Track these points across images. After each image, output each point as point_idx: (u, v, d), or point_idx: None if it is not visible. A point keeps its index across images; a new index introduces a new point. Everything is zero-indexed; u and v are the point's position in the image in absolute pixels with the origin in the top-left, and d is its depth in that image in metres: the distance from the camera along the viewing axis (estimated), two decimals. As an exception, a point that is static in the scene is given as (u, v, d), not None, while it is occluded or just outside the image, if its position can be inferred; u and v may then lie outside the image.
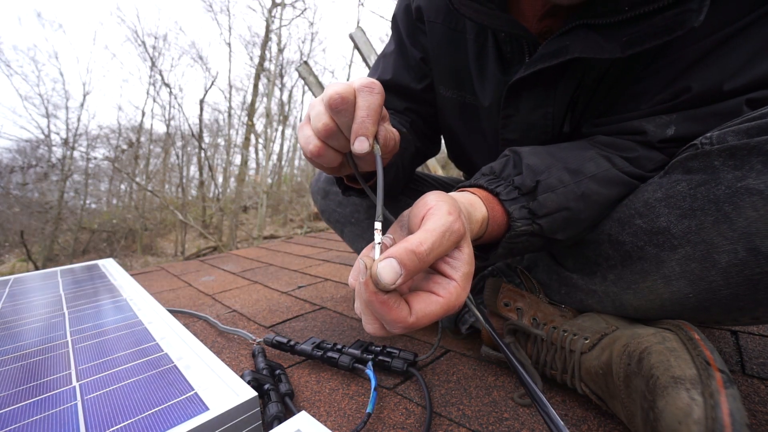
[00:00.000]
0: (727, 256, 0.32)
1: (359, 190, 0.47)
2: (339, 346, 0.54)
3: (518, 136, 0.50)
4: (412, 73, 0.58)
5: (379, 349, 0.54)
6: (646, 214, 0.38)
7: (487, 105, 0.51)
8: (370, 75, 0.63)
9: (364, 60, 1.38)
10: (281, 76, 9.75)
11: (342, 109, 0.30)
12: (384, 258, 0.23)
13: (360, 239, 0.62)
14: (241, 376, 0.46)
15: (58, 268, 1.08)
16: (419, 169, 0.71)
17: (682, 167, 0.36)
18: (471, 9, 0.42)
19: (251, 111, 9.57)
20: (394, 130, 0.35)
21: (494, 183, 0.39)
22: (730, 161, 0.32)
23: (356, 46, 1.37)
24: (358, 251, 0.64)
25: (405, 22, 0.56)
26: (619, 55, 0.36)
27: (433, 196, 0.28)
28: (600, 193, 0.40)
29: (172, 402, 0.37)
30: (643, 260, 0.38)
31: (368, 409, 0.41)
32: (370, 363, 0.49)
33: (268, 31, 8.72)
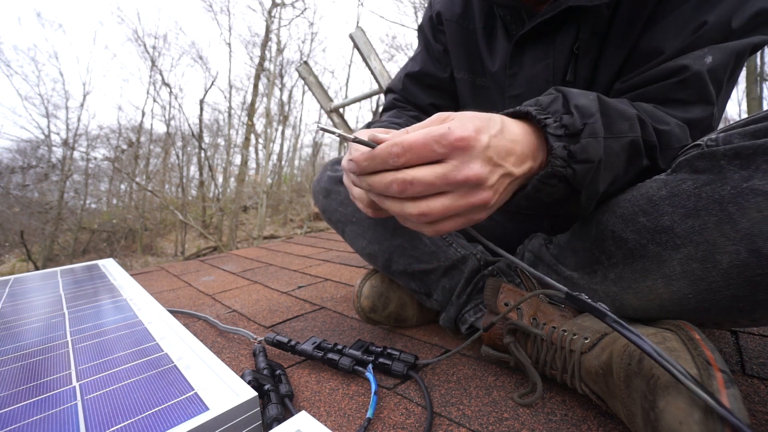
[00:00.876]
0: (729, 257, 0.32)
1: None
2: (339, 347, 0.54)
3: (523, 90, 0.55)
4: (437, 64, 0.68)
5: (379, 350, 0.54)
6: (650, 212, 0.38)
7: (495, 70, 0.58)
8: (398, 74, 0.74)
9: (364, 60, 1.38)
10: (281, 76, 9.76)
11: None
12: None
13: (361, 238, 0.63)
14: (242, 376, 0.46)
15: (58, 268, 1.08)
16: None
17: (688, 166, 0.36)
18: None
19: (251, 111, 9.57)
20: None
21: (542, 114, 0.37)
22: (736, 161, 0.32)
23: (356, 46, 1.37)
24: (358, 250, 0.65)
25: (429, 27, 0.68)
26: (606, 0, 0.44)
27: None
28: (620, 155, 0.39)
29: (172, 402, 0.37)
30: (645, 259, 0.38)
31: (368, 414, 0.41)
32: (370, 366, 0.49)
33: (268, 31, 8.72)
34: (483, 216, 0.35)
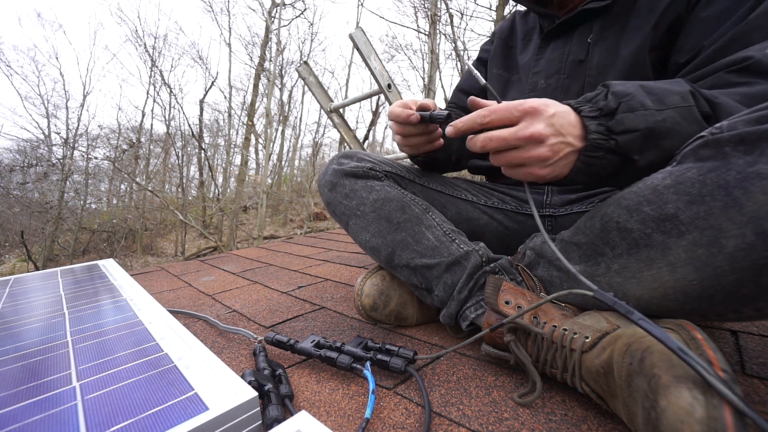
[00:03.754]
0: (735, 240, 0.32)
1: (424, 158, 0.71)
2: (338, 345, 0.54)
3: (542, 68, 0.69)
4: (471, 80, 0.87)
5: (378, 346, 0.54)
6: (654, 201, 0.38)
7: (525, 62, 0.73)
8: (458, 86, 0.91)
9: (364, 60, 1.38)
10: (281, 77, 9.76)
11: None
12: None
13: (365, 231, 0.63)
14: (242, 376, 0.46)
15: (59, 269, 1.08)
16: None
17: (693, 155, 0.36)
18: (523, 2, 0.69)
19: (251, 111, 9.56)
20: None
21: (581, 104, 0.45)
22: (740, 146, 0.32)
23: (356, 46, 1.37)
24: (361, 243, 0.65)
25: (481, 48, 0.88)
26: (609, 1, 0.59)
27: None
28: (681, 124, 0.42)
29: (172, 402, 0.37)
30: (650, 248, 0.38)
31: (366, 415, 0.40)
32: (368, 363, 0.49)
33: (267, 31, 8.72)
34: (544, 173, 0.44)
